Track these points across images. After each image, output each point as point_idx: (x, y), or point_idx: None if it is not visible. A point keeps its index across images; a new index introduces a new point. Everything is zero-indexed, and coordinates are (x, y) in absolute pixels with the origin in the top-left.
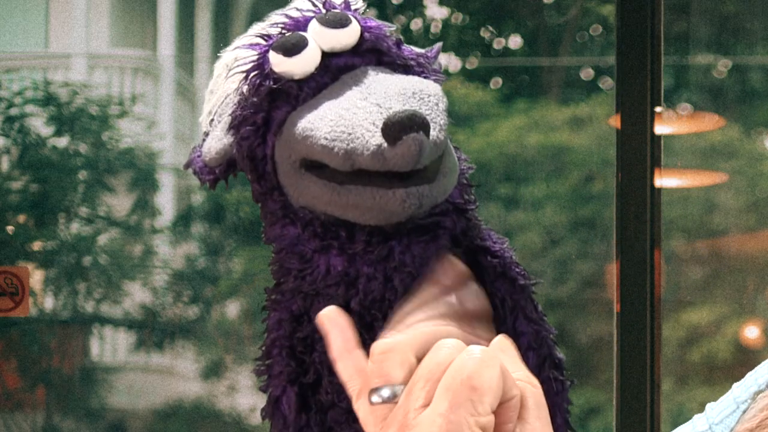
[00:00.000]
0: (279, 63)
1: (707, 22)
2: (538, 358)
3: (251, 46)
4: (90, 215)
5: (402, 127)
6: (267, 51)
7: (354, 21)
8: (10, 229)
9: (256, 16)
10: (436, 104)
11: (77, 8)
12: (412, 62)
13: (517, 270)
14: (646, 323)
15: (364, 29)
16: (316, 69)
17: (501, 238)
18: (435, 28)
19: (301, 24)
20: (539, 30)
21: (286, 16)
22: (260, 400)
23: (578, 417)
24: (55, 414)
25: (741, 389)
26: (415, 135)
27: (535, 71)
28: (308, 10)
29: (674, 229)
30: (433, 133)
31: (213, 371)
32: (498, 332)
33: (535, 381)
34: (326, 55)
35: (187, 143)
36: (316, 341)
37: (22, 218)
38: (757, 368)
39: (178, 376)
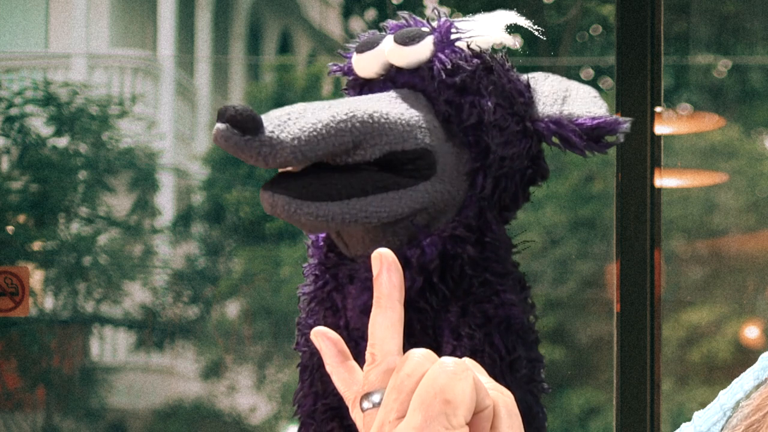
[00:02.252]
0: None
1: (707, 22)
2: None
3: None
4: (90, 215)
5: (218, 114)
6: None
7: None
8: (10, 229)
9: (256, 16)
10: (315, 121)
11: (77, 8)
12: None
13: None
14: (646, 323)
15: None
16: None
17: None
18: None
19: None
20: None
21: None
22: (260, 400)
23: (578, 417)
24: (55, 414)
25: (727, 396)
26: (219, 125)
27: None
28: None
29: (674, 229)
30: (266, 131)
31: (213, 371)
32: None
33: (506, 390)
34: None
35: (187, 143)
36: None
37: (22, 218)
38: (742, 375)
39: (178, 376)
